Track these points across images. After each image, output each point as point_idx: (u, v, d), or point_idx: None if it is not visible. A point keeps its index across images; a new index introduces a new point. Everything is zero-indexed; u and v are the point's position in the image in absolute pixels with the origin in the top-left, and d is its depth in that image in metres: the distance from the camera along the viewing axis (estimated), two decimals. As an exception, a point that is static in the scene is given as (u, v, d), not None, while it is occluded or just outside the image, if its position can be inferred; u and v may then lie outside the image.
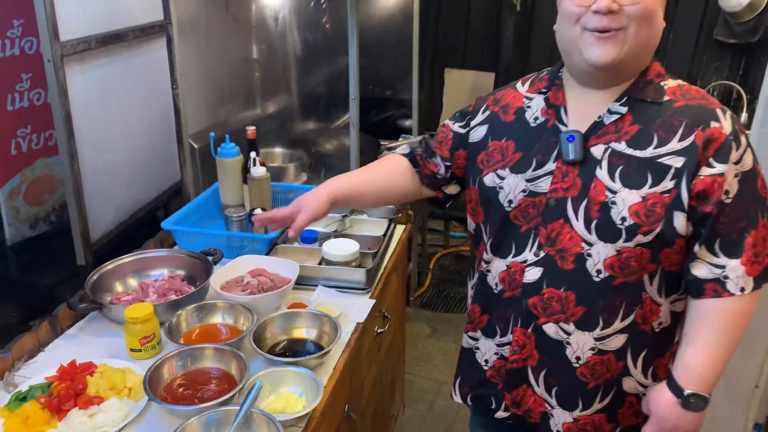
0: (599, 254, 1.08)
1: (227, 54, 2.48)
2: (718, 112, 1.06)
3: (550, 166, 1.12)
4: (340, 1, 2.25)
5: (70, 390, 1.14)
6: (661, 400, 1.12)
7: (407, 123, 2.93)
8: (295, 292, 1.52)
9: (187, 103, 2.18)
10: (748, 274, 1.06)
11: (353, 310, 1.49)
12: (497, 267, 1.20)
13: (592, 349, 1.13)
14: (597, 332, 1.12)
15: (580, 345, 1.13)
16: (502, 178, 1.17)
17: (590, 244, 1.09)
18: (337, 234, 1.76)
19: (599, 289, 1.10)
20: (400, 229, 1.92)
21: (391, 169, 1.36)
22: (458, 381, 1.35)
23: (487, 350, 1.26)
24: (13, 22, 2.66)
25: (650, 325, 1.14)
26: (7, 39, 2.66)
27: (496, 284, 1.20)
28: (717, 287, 1.07)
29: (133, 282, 1.55)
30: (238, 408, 1.05)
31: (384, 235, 1.75)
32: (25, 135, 2.87)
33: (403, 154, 1.37)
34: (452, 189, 1.35)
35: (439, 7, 3.72)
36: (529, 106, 1.19)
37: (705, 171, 1.04)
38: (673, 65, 3.48)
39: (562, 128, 1.12)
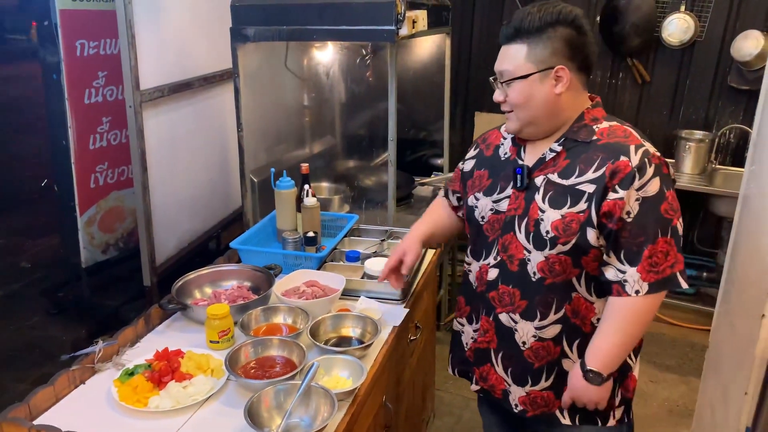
0: (534, 259, 1.38)
1: (283, 101, 2.83)
2: (631, 148, 1.31)
3: (509, 191, 1.44)
4: (382, 57, 2.59)
5: (168, 367, 1.43)
6: (573, 372, 1.41)
7: (439, 161, 3.22)
8: (341, 300, 1.81)
9: (248, 143, 2.52)
10: (643, 279, 1.30)
11: (390, 316, 1.76)
12: (474, 268, 1.52)
13: (534, 336, 1.42)
14: (536, 322, 1.41)
15: (525, 332, 1.42)
16: (477, 199, 1.51)
17: (529, 252, 1.39)
18: (376, 254, 2.05)
19: (536, 287, 1.39)
20: (430, 253, 2.20)
21: (444, 210, 1.74)
22: (451, 357, 1.68)
23: (468, 334, 1.57)
24: (98, 74, 3.09)
25: (590, 322, 1.40)
26: (92, 88, 3.09)
27: (474, 282, 1.52)
28: (619, 288, 1.33)
29: (208, 290, 1.86)
30: (300, 382, 1.33)
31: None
32: (103, 170, 3.28)
33: (443, 196, 1.74)
34: None
35: (470, 57, 4.06)
36: (502, 144, 1.53)
37: (610, 195, 1.30)
38: (691, 110, 3.73)
39: (519, 162, 1.44)
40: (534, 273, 1.38)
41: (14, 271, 4.06)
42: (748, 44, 3.35)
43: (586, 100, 1.40)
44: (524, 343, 1.42)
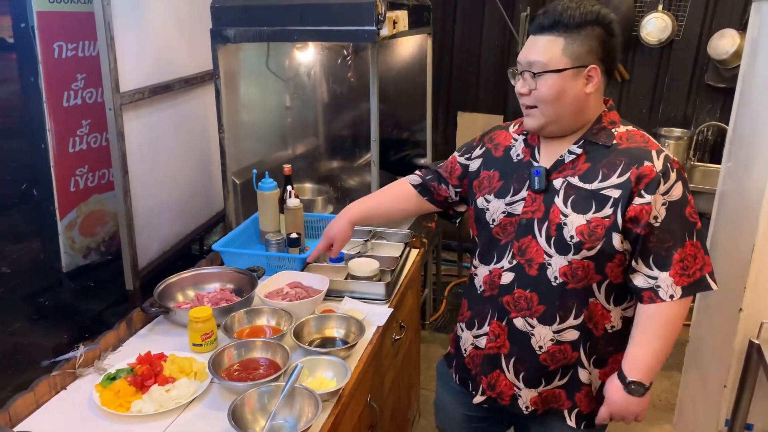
0: (556, 264, 1.35)
1: (265, 103, 2.83)
2: (653, 153, 1.31)
3: (523, 193, 1.40)
4: (363, 57, 2.59)
5: (150, 371, 1.42)
6: (611, 386, 1.39)
7: (422, 161, 3.23)
8: (325, 301, 1.81)
9: (230, 145, 2.51)
10: (676, 284, 1.30)
11: (374, 316, 1.76)
12: (482, 272, 1.48)
13: (552, 339, 1.39)
14: (555, 326, 1.38)
15: (542, 336, 1.39)
16: (488, 201, 1.46)
17: (550, 256, 1.35)
18: (360, 254, 2.05)
19: (556, 291, 1.36)
20: (414, 252, 2.21)
21: (399, 195, 1.70)
22: (454, 363, 1.61)
23: (465, 340, 1.53)
24: (77, 76, 3.06)
25: (602, 327, 1.40)
26: (71, 91, 3.06)
27: (480, 286, 1.48)
28: (652, 294, 1.31)
29: (190, 293, 1.85)
30: (284, 384, 1.33)
31: (400, 256, 2.04)
32: (83, 174, 3.24)
33: (413, 184, 1.69)
34: (461, 207, 1.68)
35: (452, 57, 4.08)
36: (514, 146, 1.48)
37: (637, 201, 1.29)
38: (670, 107, 3.78)
39: (534, 164, 1.40)
40: (555, 278, 1.35)
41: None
42: (724, 43, 3.40)
43: (602, 103, 1.39)
44: (541, 347, 1.40)
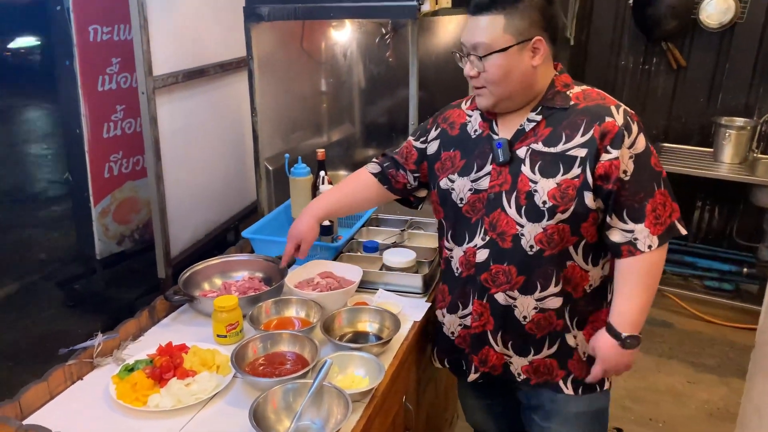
0: (530, 233, 1.35)
1: (299, 87, 2.72)
2: (612, 108, 1.33)
3: (488, 168, 1.41)
4: (403, 36, 2.46)
5: (170, 363, 1.33)
6: (603, 343, 1.39)
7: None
8: (358, 293, 1.69)
9: (263, 129, 2.41)
10: (652, 233, 1.32)
11: (411, 310, 1.63)
12: (457, 253, 1.47)
13: (535, 308, 1.40)
14: (537, 294, 1.39)
15: (525, 306, 1.40)
16: (452, 181, 1.46)
17: (522, 226, 1.36)
18: (395, 245, 1.93)
19: (534, 260, 1.37)
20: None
21: (361, 186, 1.68)
22: (435, 350, 1.64)
23: (451, 324, 1.53)
24: (112, 60, 3.02)
25: (582, 289, 1.41)
26: (106, 75, 3.01)
27: (457, 268, 1.48)
28: (630, 248, 1.33)
29: (217, 281, 1.76)
30: (312, 381, 1.22)
31: (440, 247, 1.90)
32: (117, 160, 3.20)
33: (372, 173, 1.66)
34: (421, 193, 1.68)
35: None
36: (469, 121, 1.48)
37: (604, 157, 1.30)
38: (730, 96, 3.54)
39: (494, 137, 1.40)
40: (531, 247, 1.36)
41: (31, 264, 4.03)
42: (793, 25, 3.15)
43: (552, 69, 1.40)
44: (525, 317, 1.41)
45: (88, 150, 3.06)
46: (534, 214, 1.34)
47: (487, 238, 1.40)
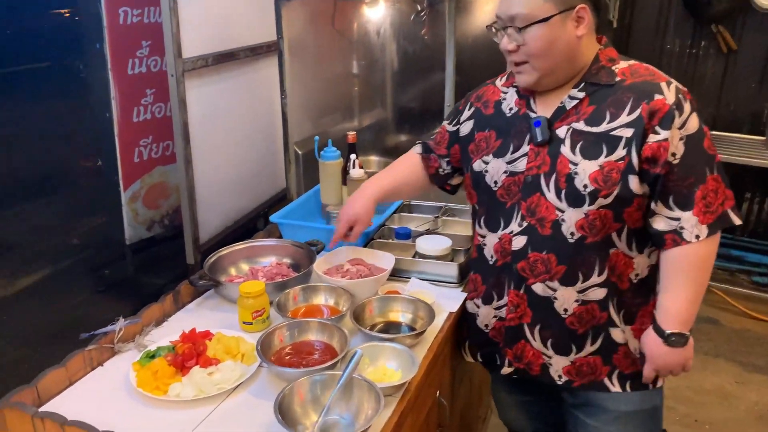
0: (570, 218, 1.26)
1: (330, 68, 2.64)
2: (662, 85, 1.22)
3: (525, 148, 1.31)
4: (439, 12, 2.37)
5: (193, 350, 1.27)
6: (649, 342, 1.30)
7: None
8: (389, 282, 1.60)
9: (292, 112, 2.34)
10: (701, 222, 1.21)
11: (446, 300, 1.54)
12: (491, 241, 1.38)
13: (577, 300, 1.30)
14: (578, 286, 1.29)
15: (566, 298, 1.30)
16: (487, 163, 1.37)
17: (562, 211, 1.26)
18: (429, 232, 1.83)
19: (574, 248, 1.27)
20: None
21: (411, 168, 1.61)
22: (467, 343, 1.54)
23: (485, 316, 1.44)
24: (142, 43, 2.98)
25: (627, 278, 1.30)
26: (136, 58, 2.98)
27: (491, 256, 1.39)
28: (675, 237, 1.23)
29: (244, 266, 1.69)
30: (341, 373, 1.14)
31: (476, 235, 1.80)
32: (147, 144, 3.17)
33: (417, 153, 1.60)
34: (456, 180, 1.59)
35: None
36: (504, 99, 1.39)
37: (652, 138, 1.20)
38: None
39: (531, 115, 1.31)
40: (572, 233, 1.26)
41: (64, 249, 4.04)
42: None
43: (596, 42, 1.30)
44: (566, 310, 1.31)
45: (118, 134, 3.03)
46: (575, 198, 1.25)
47: (525, 224, 1.31)
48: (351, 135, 2.00)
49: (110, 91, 2.91)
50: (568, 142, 1.26)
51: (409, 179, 1.61)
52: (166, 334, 1.39)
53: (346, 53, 2.69)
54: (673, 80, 1.24)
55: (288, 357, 1.27)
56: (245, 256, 1.71)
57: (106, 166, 3.12)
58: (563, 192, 1.26)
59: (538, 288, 1.32)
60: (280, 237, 1.89)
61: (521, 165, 1.32)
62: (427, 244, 1.68)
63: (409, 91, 2.80)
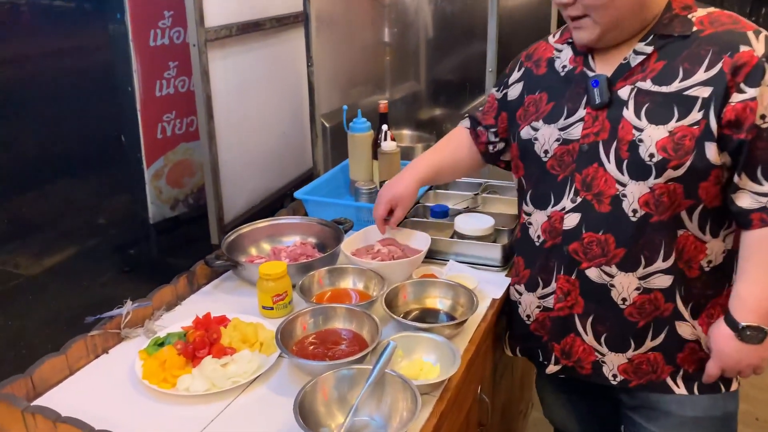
0: (633, 194, 1.09)
1: (360, 36, 2.48)
2: (750, 34, 1.04)
3: (581, 112, 1.15)
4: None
5: (205, 338, 1.13)
6: (718, 334, 1.12)
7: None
8: (425, 265, 1.45)
9: (320, 83, 2.20)
10: None
11: (488, 285, 1.38)
12: (538, 219, 1.23)
13: (637, 288, 1.13)
14: (640, 271, 1.12)
15: (625, 286, 1.14)
16: (536, 130, 1.21)
17: (624, 185, 1.10)
18: (468, 210, 1.67)
19: (637, 228, 1.10)
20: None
21: (460, 144, 1.45)
22: (507, 334, 1.40)
23: (528, 305, 1.28)
24: (164, 14, 2.84)
25: (697, 265, 1.13)
26: (158, 29, 2.84)
27: (538, 236, 1.23)
28: (763, 216, 1.05)
29: (266, 246, 1.55)
30: (372, 367, 0.99)
31: (520, 214, 1.63)
32: (170, 120, 3.05)
33: (466, 127, 1.45)
34: (508, 156, 1.39)
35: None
36: (558, 57, 1.23)
37: (736, 98, 1.02)
38: None
39: (589, 74, 1.14)
40: (634, 211, 1.10)
41: (91, 228, 3.99)
42: None
43: None
44: (624, 299, 1.15)
45: (140, 109, 2.92)
46: (638, 169, 1.08)
47: (579, 199, 1.15)
48: (382, 104, 1.84)
49: (132, 64, 2.80)
50: (631, 104, 1.09)
51: (458, 157, 1.46)
52: (179, 319, 1.26)
53: (377, 20, 2.51)
54: (762, 29, 1.05)
55: (312, 347, 1.13)
56: (267, 235, 1.57)
57: (129, 143, 3.03)
58: (625, 162, 1.09)
59: (593, 273, 1.15)
60: (305, 215, 1.75)
61: (576, 132, 1.15)
62: (468, 223, 1.51)
63: (446, 60, 2.62)
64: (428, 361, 1.11)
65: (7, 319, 3.06)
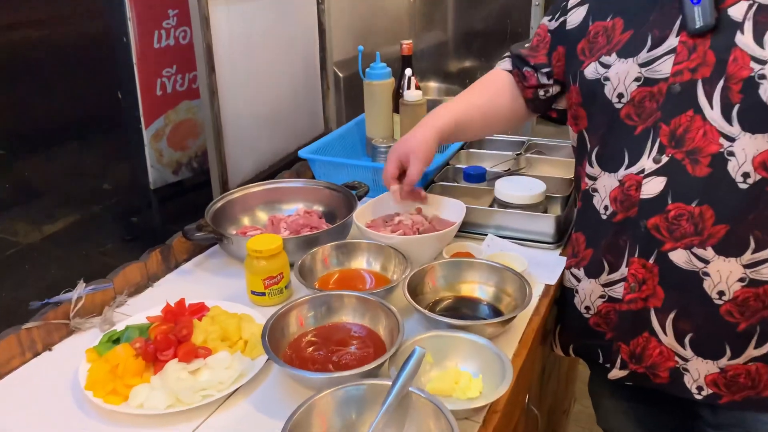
0: (745, 151, 0.83)
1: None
2: None
3: (672, 41, 0.88)
4: None
5: (171, 335, 0.86)
6: None
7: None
8: (458, 240, 1.16)
9: (333, 27, 1.89)
10: None
11: (538, 268, 1.09)
12: (606, 184, 0.96)
13: (741, 279, 0.88)
14: (747, 257, 0.87)
15: (724, 276, 0.89)
16: (607, 67, 0.94)
17: (731, 139, 0.84)
18: (510, 172, 1.37)
19: (748, 199, 0.85)
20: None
21: (497, 90, 1.16)
22: (559, 329, 1.15)
23: (588, 294, 1.03)
24: (162, -46, 2.54)
25: None
26: (155, -29, 2.55)
27: (606, 207, 0.97)
28: None
29: (262, 215, 1.29)
30: (390, 383, 0.71)
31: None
32: (170, 75, 2.76)
33: (506, 69, 1.16)
34: (563, 103, 1.12)
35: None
36: None
37: None
38: None
39: None
40: (745, 175, 0.84)
41: (96, 194, 3.78)
42: None
43: None
44: (721, 293, 0.90)
45: (137, 62, 2.63)
46: (756, 118, 0.82)
47: (664, 158, 0.89)
48: (406, 44, 1.53)
49: (126, 10, 2.51)
50: (748, 26, 0.82)
51: (495, 106, 1.16)
52: (149, 305, 0.99)
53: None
54: None
55: (311, 349, 0.85)
56: (264, 201, 1.30)
57: (126, 100, 2.77)
58: (736, 108, 0.82)
59: (680, 257, 0.90)
60: (313, 178, 1.47)
61: (664, 67, 0.88)
62: (512, 189, 1.22)
63: (478, 4, 2.30)
64: (466, 370, 0.82)
65: (1, 291, 2.87)
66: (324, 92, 1.94)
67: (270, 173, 2.66)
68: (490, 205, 1.24)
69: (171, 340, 0.85)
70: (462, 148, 1.53)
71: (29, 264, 3.22)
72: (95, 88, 3.36)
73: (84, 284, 0.97)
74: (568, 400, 1.71)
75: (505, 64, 1.17)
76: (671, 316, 0.93)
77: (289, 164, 2.77)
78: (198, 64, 2.16)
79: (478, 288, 0.99)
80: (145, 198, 3.13)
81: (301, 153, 1.46)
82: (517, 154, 1.46)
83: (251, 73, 2.30)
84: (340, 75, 1.93)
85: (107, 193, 3.88)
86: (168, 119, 2.82)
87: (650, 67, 0.89)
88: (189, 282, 1.10)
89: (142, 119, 2.74)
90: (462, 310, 0.97)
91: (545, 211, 1.22)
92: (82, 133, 3.59)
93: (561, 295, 1.10)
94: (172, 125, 2.85)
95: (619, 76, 0.92)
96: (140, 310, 0.99)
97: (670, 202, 0.89)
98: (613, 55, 0.93)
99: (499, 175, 1.33)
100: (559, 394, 1.49)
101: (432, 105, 1.75)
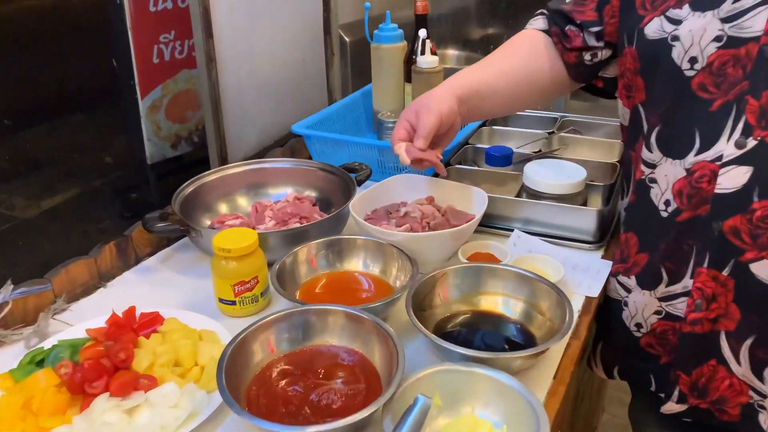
0: None
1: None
2: None
3: None
4: None
5: (105, 360, 0.67)
6: None
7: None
8: (478, 237, 0.95)
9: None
10: None
11: (577, 274, 0.88)
12: (669, 174, 0.78)
13: None
14: None
15: None
16: (676, 23, 0.75)
17: None
18: (541, 154, 1.15)
19: None
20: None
21: (534, 54, 0.93)
22: (602, 347, 0.97)
23: (640, 308, 0.86)
24: None
25: None
26: (150, -74, 2.34)
27: (667, 202, 0.79)
28: None
29: (244, 202, 1.09)
30: (381, 446, 0.51)
31: (621, 162, 1.10)
32: (168, 41, 2.56)
33: (540, 30, 0.95)
34: (611, 71, 0.92)
35: None
36: None
37: None
38: None
39: None
40: None
41: (97, 167, 3.64)
42: None
43: None
44: None
45: (131, 27, 2.44)
46: None
47: (751, 143, 0.70)
48: (420, 3, 1.31)
49: (117, -31, 2.31)
50: None
51: (527, 73, 0.94)
52: (96, 313, 0.81)
53: None
54: None
55: (284, 382, 0.65)
56: (247, 185, 1.11)
57: (121, 69, 2.58)
58: None
59: (764, 270, 0.73)
60: (309, 158, 1.27)
61: (756, 22, 0.69)
62: (544, 175, 1.00)
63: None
64: (485, 418, 0.62)
65: (-6, 268, 2.75)
66: (328, 59, 1.73)
67: (274, 148, 2.47)
68: (518, 195, 1.03)
69: (104, 366, 0.66)
70: (483, 125, 1.31)
71: (24, 239, 3.06)
72: (98, 56, 3.17)
73: (11, 285, 0.78)
74: (597, 415, 1.51)
75: (538, 23, 0.95)
76: (748, 342, 0.77)
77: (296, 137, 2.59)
78: (194, 29, 1.97)
79: (501, 302, 0.79)
80: (141, 173, 2.97)
81: (295, 128, 1.26)
82: (549, 133, 1.24)
83: (255, 41, 2.10)
84: (347, 40, 1.71)
85: (109, 167, 3.71)
86: (166, 89, 2.61)
87: (736, 22, 0.70)
88: (149, 283, 0.91)
89: (137, 89, 2.55)
90: (481, 329, 0.76)
91: (585, 204, 1.01)
92: (85, 103, 3.41)
93: (604, 305, 0.90)
94: (171, 96, 2.64)
95: (693, 34, 0.72)
96: (85, 317, 0.81)
97: (756, 199, 0.71)
98: (685, 6, 0.73)
99: (528, 158, 1.12)
100: (589, 413, 1.30)
101: (449, 74, 1.54)
